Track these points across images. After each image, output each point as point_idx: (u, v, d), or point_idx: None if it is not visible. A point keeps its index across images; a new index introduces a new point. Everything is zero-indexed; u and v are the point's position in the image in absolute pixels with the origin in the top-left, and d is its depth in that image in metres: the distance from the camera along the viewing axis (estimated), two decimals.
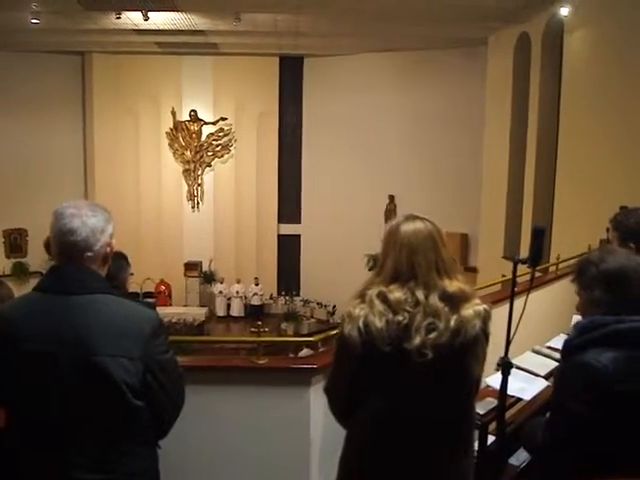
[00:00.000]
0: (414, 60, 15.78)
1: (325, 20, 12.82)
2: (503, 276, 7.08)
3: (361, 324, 1.78)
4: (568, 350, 2.07)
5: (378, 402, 1.84)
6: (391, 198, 16.70)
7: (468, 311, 1.80)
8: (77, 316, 1.77)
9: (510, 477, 2.90)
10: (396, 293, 1.79)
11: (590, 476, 1.56)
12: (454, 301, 1.80)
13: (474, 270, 14.31)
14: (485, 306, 1.87)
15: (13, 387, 1.80)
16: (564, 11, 10.20)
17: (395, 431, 1.84)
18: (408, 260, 1.82)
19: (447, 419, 1.85)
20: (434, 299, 1.79)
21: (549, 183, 11.46)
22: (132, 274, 3.35)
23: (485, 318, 1.85)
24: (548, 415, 2.17)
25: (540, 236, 2.32)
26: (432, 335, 1.75)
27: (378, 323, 1.76)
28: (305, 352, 8.00)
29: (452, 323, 1.77)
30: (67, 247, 1.84)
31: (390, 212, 16.59)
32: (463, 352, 1.79)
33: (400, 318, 1.77)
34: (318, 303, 17.25)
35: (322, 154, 17.53)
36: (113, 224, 1.96)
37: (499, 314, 2.27)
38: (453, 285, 1.82)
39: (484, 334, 1.86)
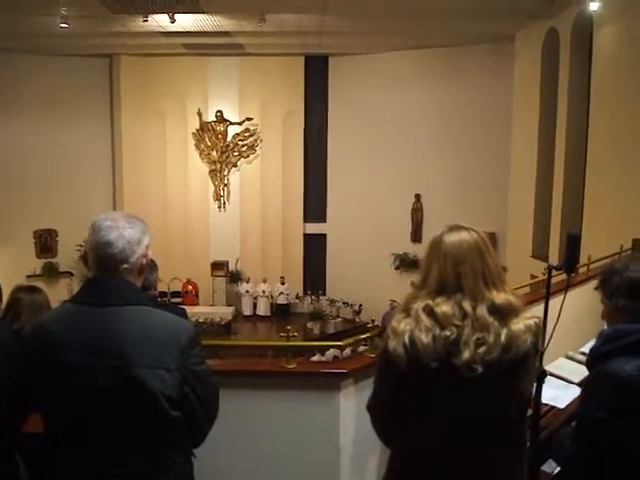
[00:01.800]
0: (440, 58, 15.65)
1: (350, 19, 12.79)
2: (532, 276, 7.00)
3: (407, 339, 1.73)
4: (593, 359, 2.05)
5: (425, 421, 1.80)
6: (417, 197, 16.62)
7: (518, 325, 1.74)
8: (114, 328, 1.80)
9: None
10: (443, 307, 1.73)
11: None
12: (503, 314, 1.74)
13: (503, 269, 14.13)
14: (536, 320, 1.82)
15: (53, 399, 1.83)
16: (593, 6, 10.01)
17: (444, 451, 1.79)
18: (454, 271, 1.76)
19: (499, 437, 1.80)
20: (482, 311, 1.73)
21: (579, 181, 11.27)
22: (160, 280, 3.38)
23: (536, 333, 1.80)
24: (574, 424, 2.14)
25: (574, 243, 2.27)
26: (481, 350, 1.69)
27: (424, 338, 1.71)
28: (332, 352, 7.96)
29: (502, 338, 1.71)
30: (104, 259, 1.86)
31: (416, 211, 16.52)
32: (514, 368, 1.73)
33: (448, 333, 1.71)
34: (344, 302, 17.24)
35: (348, 153, 17.50)
36: (149, 235, 1.97)
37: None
38: (501, 297, 1.76)
39: (535, 349, 1.81)
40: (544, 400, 2.57)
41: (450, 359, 1.70)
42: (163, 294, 15.08)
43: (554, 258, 11.01)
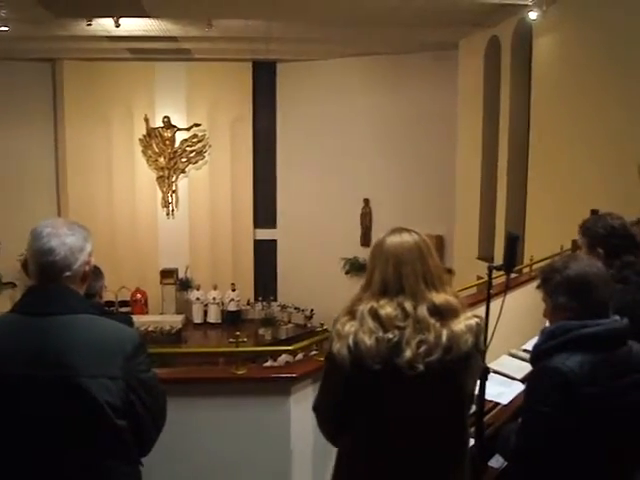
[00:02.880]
0: (387, 64, 15.90)
1: (297, 26, 12.86)
2: (478, 278, 7.17)
3: (351, 342, 1.75)
4: (536, 356, 2.11)
5: (369, 420, 1.82)
6: (366, 202, 16.79)
7: (460, 326, 1.77)
8: (57, 337, 1.75)
9: (490, 478, 2.93)
10: (387, 308, 1.76)
11: (563, 478, 1.59)
12: (443, 315, 1.77)
13: (450, 271, 14.44)
14: (477, 320, 1.85)
15: None
16: (532, 15, 10.38)
17: (387, 448, 1.82)
18: (395, 272, 1.79)
19: (441, 435, 1.83)
20: (423, 311, 1.76)
21: (521, 184, 11.63)
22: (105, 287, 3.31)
23: (477, 333, 1.83)
24: (520, 420, 2.21)
25: (513, 243, 2.34)
26: (422, 350, 1.72)
27: (368, 341, 1.73)
28: (284, 358, 7.96)
29: (444, 339, 1.74)
30: (45, 267, 1.82)
31: (365, 216, 16.69)
32: (455, 368, 1.77)
33: (391, 336, 1.74)
34: (295, 308, 17.26)
35: (297, 159, 17.56)
36: (92, 242, 1.94)
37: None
38: (440, 297, 1.79)
39: (476, 349, 1.85)
40: (488, 397, 2.64)
41: (393, 360, 1.72)
42: (111, 303, 14.77)
43: (499, 259, 11.27)
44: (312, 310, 16.64)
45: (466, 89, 13.85)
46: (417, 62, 15.38)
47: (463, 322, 1.79)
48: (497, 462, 3.09)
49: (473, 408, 2.52)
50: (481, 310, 2.39)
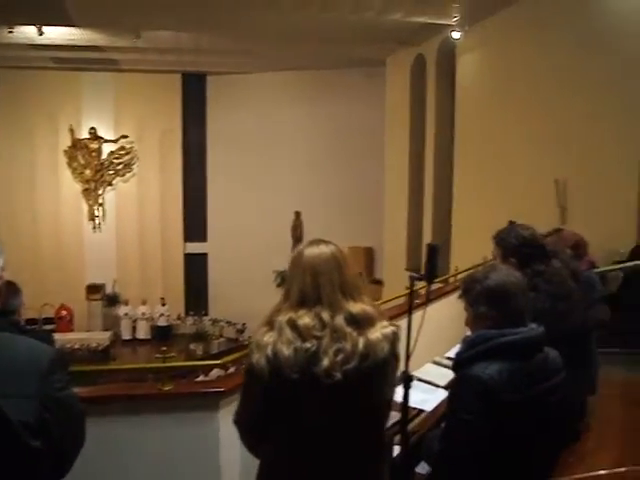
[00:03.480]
0: (316, 79, 16.11)
1: (227, 39, 12.86)
2: (407, 288, 7.32)
3: (269, 352, 1.76)
4: (458, 364, 2.18)
5: (289, 430, 1.83)
6: (297, 214, 16.87)
7: (376, 334, 1.80)
8: None
9: None
10: (305, 319, 1.78)
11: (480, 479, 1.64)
12: (360, 324, 1.80)
13: (380, 283, 14.67)
14: (393, 328, 1.87)
15: None
16: (455, 35, 10.78)
17: (307, 457, 1.83)
18: (313, 282, 1.81)
19: (360, 442, 1.85)
20: (340, 321, 1.78)
21: (447, 197, 11.99)
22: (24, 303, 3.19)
23: (393, 341, 1.85)
24: (443, 426, 2.27)
25: (434, 253, 2.40)
26: (339, 358, 1.74)
27: (286, 351, 1.74)
28: (215, 372, 7.85)
29: (360, 347, 1.76)
30: None
31: (297, 228, 16.75)
32: (373, 375, 1.79)
33: (309, 345, 1.75)
34: (227, 322, 17.08)
35: (227, 172, 17.46)
36: (4, 256, 1.87)
37: (401, 327, 2.35)
38: (357, 307, 1.81)
39: (394, 356, 1.87)
40: (412, 404, 2.70)
41: (310, 369, 1.74)
42: (33, 321, 14.15)
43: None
44: (244, 324, 16.51)
45: (393, 105, 14.19)
46: (346, 78, 15.66)
47: (379, 330, 1.82)
48: (424, 468, 3.16)
49: (397, 416, 2.58)
50: (408, 320, 2.44)
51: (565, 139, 8.57)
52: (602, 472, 1.59)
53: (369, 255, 15.88)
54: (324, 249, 1.87)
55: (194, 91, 17.74)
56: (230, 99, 17.16)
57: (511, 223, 2.86)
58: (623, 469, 1.57)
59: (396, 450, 2.83)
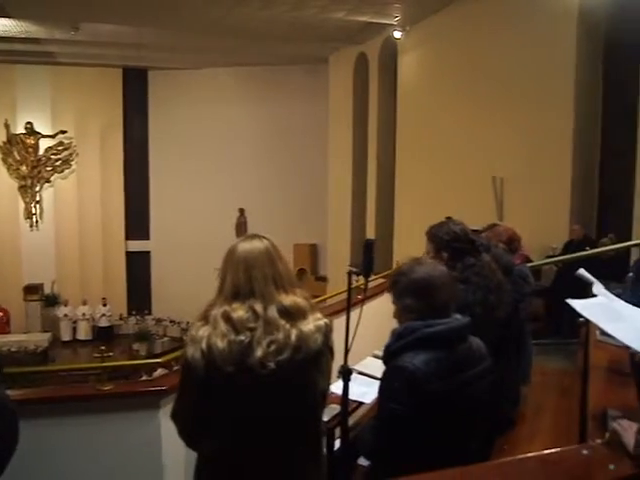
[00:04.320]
0: (261, 76, 16.07)
1: (168, 34, 12.66)
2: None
3: (204, 346, 1.77)
4: (387, 355, 2.22)
5: (225, 423, 1.84)
6: (241, 211, 16.80)
7: (309, 326, 1.83)
8: None
9: (360, 476, 3.04)
10: (239, 311, 1.80)
11: (415, 470, 1.69)
12: (292, 316, 1.83)
13: (324, 279, 14.78)
14: (326, 320, 1.90)
15: None
16: (397, 34, 10.95)
17: (244, 449, 1.84)
18: (246, 275, 1.84)
19: (295, 433, 1.87)
20: (272, 312, 1.81)
21: (390, 193, 12.16)
22: None
23: (326, 332, 1.87)
24: (375, 418, 2.32)
25: (370, 248, 2.47)
26: (272, 349, 1.77)
27: (220, 344, 1.76)
28: (159, 372, 7.75)
29: (293, 339, 1.79)
30: None
31: (241, 225, 16.68)
32: (306, 367, 1.81)
33: (242, 338, 1.77)
34: (171, 321, 16.87)
35: (170, 168, 17.22)
36: None
37: (342, 323, 2.40)
38: (289, 299, 1.84)
39: (327, 348, 1.89)
40: (353, 397, 2.75)
41: (245, 360, 1.76)
42: None
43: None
44: (188, 322, 16.31)
45: (336, 102, 14.30)
46: (290, 75, 15.68)
47: (312, 323, 1.85)
48: (365, 460, 3.22)
49: (338, 409, 2.63)
50: (352, 314, 2.48)
51: (502, 137, 8.85)
52: (529, 454, 1.67)
53: (313, 252, 15.96)
54: (257, 244, 1.90)
55: (136, 86, 17.41)
56: (172, 95, 16.93)
57: (448, 219, 2.94)
58: (547, 451, 1.65)
59: (337, 443, 2.88)
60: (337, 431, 2.84)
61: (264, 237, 1.94)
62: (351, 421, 2.74)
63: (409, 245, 9.13)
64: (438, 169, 10.14)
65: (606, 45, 8.02)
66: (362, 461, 3.21)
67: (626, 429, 1.60)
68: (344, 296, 4.93)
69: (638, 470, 1.51)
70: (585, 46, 7.85)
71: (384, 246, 11.54)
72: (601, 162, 8.16)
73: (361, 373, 3.16)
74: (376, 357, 3.62)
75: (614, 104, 7.94)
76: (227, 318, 1.80)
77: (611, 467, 1.51)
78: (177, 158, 17.08)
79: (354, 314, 2.48)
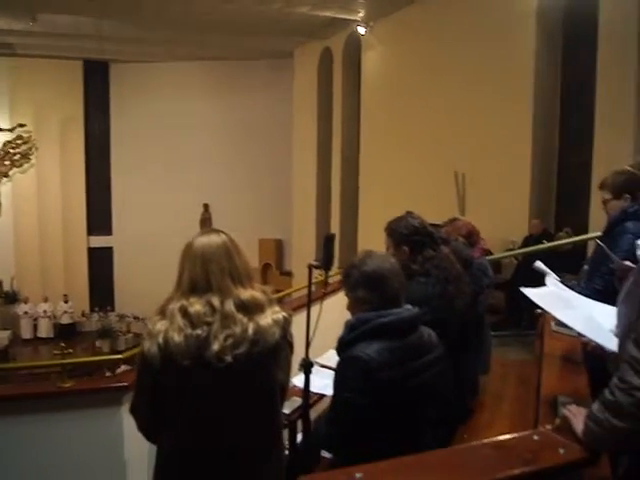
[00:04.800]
0: (225, 70, 15.95)
1: (130, 26, 12.48)
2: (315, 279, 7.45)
3: (161, 340, 1.77)
4: (341, 347, 2.25)
5: (182, 417, 1.84)
6: (206, 207, 16.68)
7: (266, 320, 1.84)
8: None
9: (324, 468, 3.07)
10: (196, 306, 1.80)
11: (372, 459, 1.71)
12: (250, 310, 1.84)
13: (289, 274, 14.80)
14: (284, 314, 1.91)
15: None
16: (361, 30, 11.02)
17: (202, 442, 1.85)
18: (203, 269, 1.85)
19: (253, 426, 1.89)
20: (230, 306, 1.82)
21: (354, 189, 12.24)
22: None
23: (285, 326, 1.89)
24: (329, 408, 2.35)
25: (330, 242, 2.52)
26: (229, 342, 1.77)
27: (177, 338, 1.76)
28: (123, 369, 7.68)
29: (250, 332, 1.80)
30: None
31: (205, 221, 16.55)
32: (264, 361, 1.83)
33: (199, 332, 1.78)
34: (135, 317, 16.65)
35: (133, 163, 16.99)
36: None
37: (305, 317, 2.42)
38: (247, 293, 1.85)
39: (286, 341, 1.92)
40: (315, 389, 2.78)
41: (201, 354, 1.77)
42: None
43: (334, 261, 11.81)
44: None
45: (301, 97, 14.30)
46: (254, 69, 15.60)
47: (270, 316, 1.87)
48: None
49: (299, 401, 2.65)
50: (316, 308, 2.51)
51: (464, 133, 8.99)
52: (484, 441, 1.72)
53: (279, 247, 15.95)
54: (214, 238, 1.91)
55: (96, 79, 17.12)
56: (135, 89, 16.69)
57: (407, 213, 2.97)
58: (500, 437, 1.71)
59: (300, 435, 2.91)
60: (299, 424, 2.86)
61: (222, 232, 1.95)
62: (313, 414, 2.76)
63: (373, 239, 9.19)
64: (402, 164, 10.25)
65: (564, 43, 8.20)
66: (325, 453, 3.25)
67: (575, 415, 1.67)
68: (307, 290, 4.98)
69: (587, 454, 1.58)
70: (544, 44, 8.02)
71: (348, 240, 11.62)
72: (559, 159, 8.36)
73: (323, 366, 3.17)
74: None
75: (572, 102, 8.14)
76: (184, 312, 1.81)
77: (561, 451, 1.58)
78: (140, 152, 16.84)
79: (316, 308, 2.51)
